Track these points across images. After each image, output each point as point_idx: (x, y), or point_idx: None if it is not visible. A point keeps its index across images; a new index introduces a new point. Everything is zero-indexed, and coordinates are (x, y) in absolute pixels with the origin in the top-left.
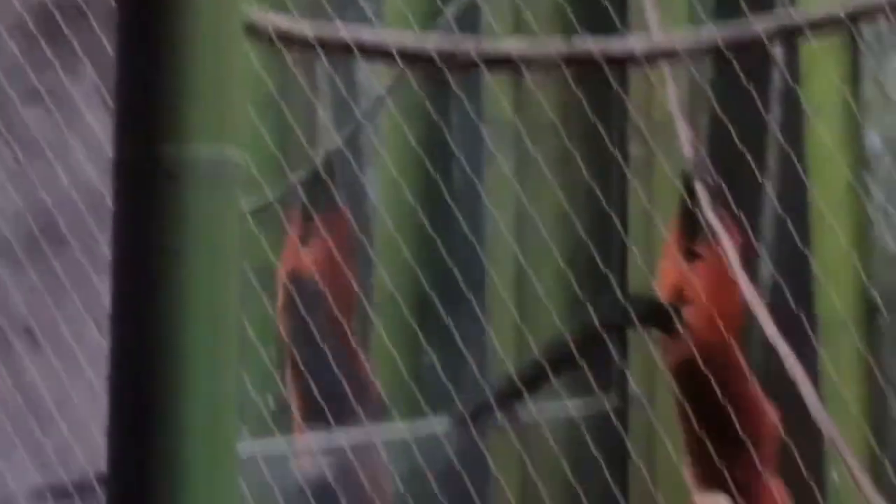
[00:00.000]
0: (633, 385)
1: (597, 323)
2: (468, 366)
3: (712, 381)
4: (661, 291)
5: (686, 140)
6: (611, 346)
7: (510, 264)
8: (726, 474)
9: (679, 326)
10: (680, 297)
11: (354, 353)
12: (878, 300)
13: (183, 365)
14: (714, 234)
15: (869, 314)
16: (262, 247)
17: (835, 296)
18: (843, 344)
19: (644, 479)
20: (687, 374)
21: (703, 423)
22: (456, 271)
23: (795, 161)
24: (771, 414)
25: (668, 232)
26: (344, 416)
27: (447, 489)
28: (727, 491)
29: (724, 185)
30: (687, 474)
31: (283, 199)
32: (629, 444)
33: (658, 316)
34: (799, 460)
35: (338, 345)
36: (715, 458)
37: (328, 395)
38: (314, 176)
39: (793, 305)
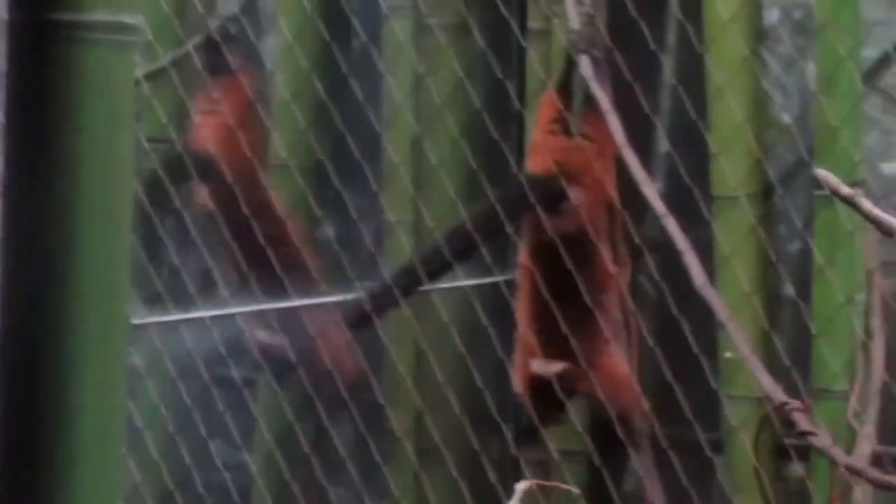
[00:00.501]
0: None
1: (497, 208)
2: (363, 236)
3: (579, 257)
4: (536, 165)
5: (574, 12)
6: (507, 223)
7: (406, 133)
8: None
9: (564, 204)
10: (561, 172)
11: (277, 220)
12: (772, 176)
13: (75, 230)
14: (598, 108)
15: (764, 189)
16: (157, 112)
17: (729, 170)
18: (736, 220)
19: None
20: (560, 249)
21: (558, 297)
22: (351, 140)
23: (692, 33)
24: (622, 286)
25: (544, 106)
26: (273, 287)
27: None
28: (567, 360)
29: (616, 56)
30: (528, 342)
31: (177, 63)
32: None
33: (550, 195)
34: (691, 339)
35: (258, 213)
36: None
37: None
38: (209, 41)
39: (687, 180)
